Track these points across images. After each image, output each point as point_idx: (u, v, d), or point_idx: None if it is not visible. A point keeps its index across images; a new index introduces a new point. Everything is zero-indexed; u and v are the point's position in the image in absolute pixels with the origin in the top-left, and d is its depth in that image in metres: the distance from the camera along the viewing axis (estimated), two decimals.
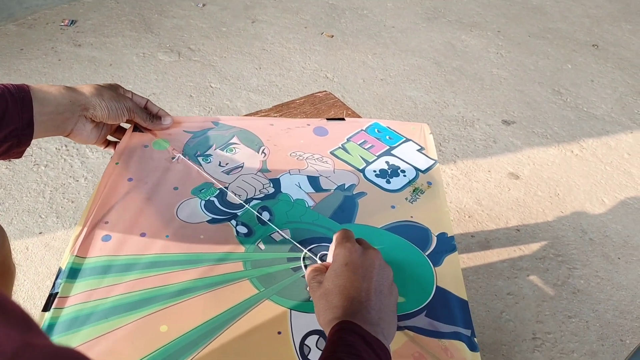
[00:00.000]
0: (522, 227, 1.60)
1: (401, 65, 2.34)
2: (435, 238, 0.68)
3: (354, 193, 0.73)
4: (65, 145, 1.70)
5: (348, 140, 0.83)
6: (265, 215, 0.68)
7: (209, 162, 0.75)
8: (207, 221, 0.67)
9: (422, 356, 0.55)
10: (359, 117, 0.96)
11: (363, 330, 0.47)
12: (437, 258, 0.65)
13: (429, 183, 0.76)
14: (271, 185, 0.73)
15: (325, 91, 1.05)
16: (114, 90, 0.71)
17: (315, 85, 2.14)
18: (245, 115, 0.98)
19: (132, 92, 0.74)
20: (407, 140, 0.84)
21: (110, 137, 0.78)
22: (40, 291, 1.29)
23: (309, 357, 0.54)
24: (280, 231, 0.66)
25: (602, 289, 1.44)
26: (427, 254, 0.66)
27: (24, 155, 0.66)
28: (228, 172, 0.74)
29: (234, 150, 0.78)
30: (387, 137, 0.84)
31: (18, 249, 1.38)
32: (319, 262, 0.62)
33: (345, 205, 0.71)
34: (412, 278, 0.63)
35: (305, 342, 0.55)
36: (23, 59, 2.13)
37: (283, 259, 0.63)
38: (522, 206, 1.67)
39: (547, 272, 1.47)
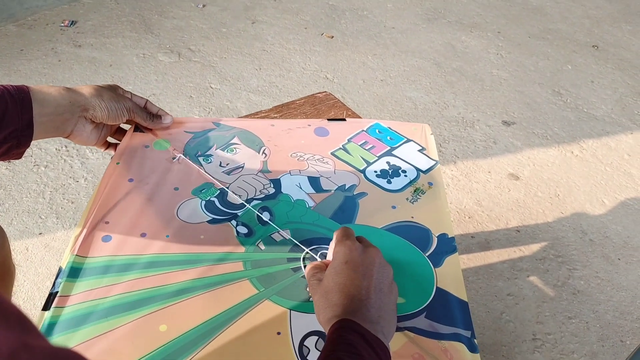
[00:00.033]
0: (522, 228, 1.59)
1: (401, 66, 2.34)
2: (436, 239, 0.68)
3: (354, 193, 0.73)
4: (65, 146, 1.70)
5: (349, 140, 0.82)
6: (266, 216, 0.68)
7: (210, 163, 0.75)
8: (207, 221, 0.67)
9: (421, 357, 0.55)
10: (359, 117, 0.96)
11: (363, 328, 0.47)
12: (437, 259, 0.65)
13: (430, 184, 0.76)
14: (272, 185, 0.73)
15: (325, 92, 1.05)
16: (113, 91, 0.71)
17: (315, 86, 2.14)
18: (245, 115, 0.98)
19: (131, 93, 0.74)
20: (408, 140, 0.84)
21: (110, 139, 0.78)
22: (40, 292, 1.29)
23: (308, 357, 0.54)
24: (281, 230, 0.66)
25: (602, 290, 1.43)
26: (427, 254, 0.66)
27: (23, 156, 0.66)
28: (228, 173, 0.74)
29: (234, 151, 0.78)
30: (388, 137, 0.84)
31: (18, 249, 1.38)
32: (318, 259, 0.62)
33: (346, 206, 0.71)
34: (412, 279, 0.63)
35: (305, 343, 0.55)
36: (23, 59, 2.13)
37: (283, 259, 0.63)
38: (522, 207, 1.67)
39: (547, 273, 1.46)
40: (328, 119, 0.87)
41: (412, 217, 0.70)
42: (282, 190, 0.73)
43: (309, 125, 0.85)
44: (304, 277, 0.61)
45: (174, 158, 0.75)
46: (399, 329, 0.57)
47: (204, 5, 2.64)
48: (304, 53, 2.35)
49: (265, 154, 0.78)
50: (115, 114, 0.70)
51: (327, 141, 0.82)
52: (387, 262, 0.55)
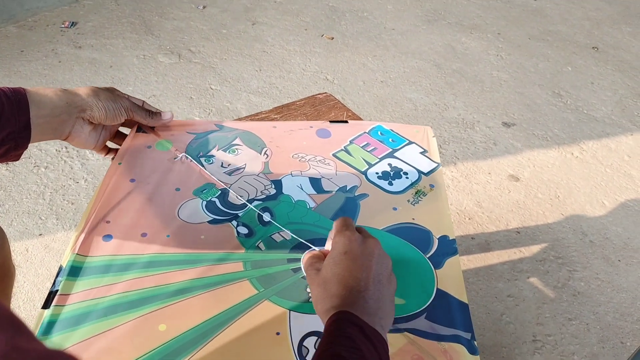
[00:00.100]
0: (523, 229, 1.59)
1: (401, 67, 2.34)
2: (437, 240, 0.68)
3: (355, 195, 0.73)
4: (66, 147, 1.70)
5: (351, 142, 0.83)
6: (267, 216, 0.68)
7: (212, 163, 0.75)
8: (208, 221, 0.67)
9: (421, 359, 0.55)
10: (360, 118, 0.96)
11: (361, 321, 0.47)
12: (438, 260, 0.65)
13: (432, 186, 0.76)
14: (273, 186, 0.73)
15: (325, 93, 1.05)
16: (110, 92, 0.71)
17: (316, 87, 2.15)
18: (246, 117, 0.98)
19: (128, 95, 0.74)
20: (410, 143, 0.84)
21: (110, 144, 0.77)
22: (40, 293, 1.29)
23: (307, 358, 0.54)
24: (283, 229, 0.66)
25: (603, 291, 1.43)
26: (428, 256, 0.66)
27: (24, 157, 0.65)
28: (230, 173, 0.74)
29: (236, 152, 0.78)
30: (390, 139, 0.84)
31: (18, 250, 1.38)
32: (316, 249, 0.62)
33: (347, 207, 0.71)
34: (413, 280, 0.63)
35: (304, 344, 0.55)
36: (23, 60, 2.13)
37: (283, 259, 0.63)
38: (522, 208, 1.67)
39: (548, 274, 1.46)
40: (330, 121, 0.87)
41: (413, 219, 0.70)
42: (283, 191, 0.73)
43: (311, 127, 0.85)
44: (304, 277, 0.61)
45: (175, 158, 0.75)
46: (398, 330, 0.57)
47: (204, 7, 2.64)
48: (304, 54, 2.35)
49: (266, 155, 0.78)
50: (113, 113, 0.70)
51: (328, 143, 0.82)
52: (386, 253, 0.55)
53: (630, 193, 1.77)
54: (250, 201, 0.70)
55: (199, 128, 0.81)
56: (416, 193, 0.75)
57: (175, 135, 0.79)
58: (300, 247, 0.64)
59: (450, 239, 0.68)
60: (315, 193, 0.73)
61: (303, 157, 0.78)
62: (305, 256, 0.57)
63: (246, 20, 2.57)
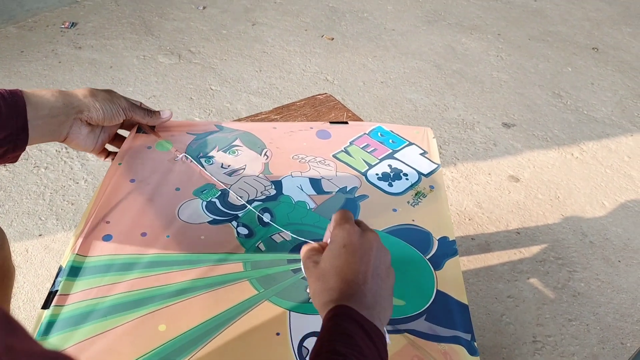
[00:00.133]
0: (523, 230, 1.59)
1: (401, 68, 2.34)
2: (437, 242, 0.68)
3: (355, 196, 0.73)
4: (66, 148, 1.70)
5: (351, 143, 0.83)
6: (267, 217, 0.68)
7: (212, 164, 0.75)
8: (208, 222, 0.67)
9: None
10: (360, 119, 0.96)
11: (359, 315, 0.47)
12: (438, 262, 0.65)
13: (432, 187, 0.76)
14: (273, 187, 0.73)
15: (325, 93, 1.06)
16: (107, 93, 0.70)
17: (316, 87, 2.15)
18: (246, 117, 0.98)
19: (126, 97, 0.74)
20: (411, 144, 0.84)
21: (109, 147, 0.77)
22: (40, 293, 1.29)
23: (307, 358, 0.54)
24: (283, 230, 0.66)
25: (603, 292, 1.43)
26: (428, 257, 0.66)
27: (24, 158, 0.65)
28: (230, 174, 0.74)
29: (236, 153, 0.78)
30: (390, 140, 0.84)
31: (18, 251, 1.38)
32: (315, 244, 0.62)
33: (347, 208, 0.71)
34: (413, 281, 0.63)
35: (304, 344, 0.55)
36: (23, 61, 2.13)
37: (283, 260, 0.63)
38: (522, 209, 1.67)
39: (548, 275, 1.46)
40: (330, 122, 0.87)
41: (413, 220, 0.70)
42: (283, 191, 0.73)
43: (311, 128, 0.85)
44: (304, 278, 0.61)
45: (176, 158, 0.75)
46: (398, 331, 0.57)
47: (204, 7, 2.64)
48: (304, 55, 2.35)
49: (267, 155, 0.78)
50: (111, 113, 0.69)
51: (329, 144, 0.82)
52: (385, 246, 0.55)
53: (631, 194, 1.77)
54: (250, 202, 0.70)
55: (199, 129, 0.81)
56: (416, 194, 0.75)
57: (175, 136, 0.79)
58: (300, 248, 0.64)
59: (450, 240, 0.68)
60: (315, 194, 0.73)
61: (303, 158, 0.79)
62: (303, 249, 0.56)
63: (246, 21, 2.57)
